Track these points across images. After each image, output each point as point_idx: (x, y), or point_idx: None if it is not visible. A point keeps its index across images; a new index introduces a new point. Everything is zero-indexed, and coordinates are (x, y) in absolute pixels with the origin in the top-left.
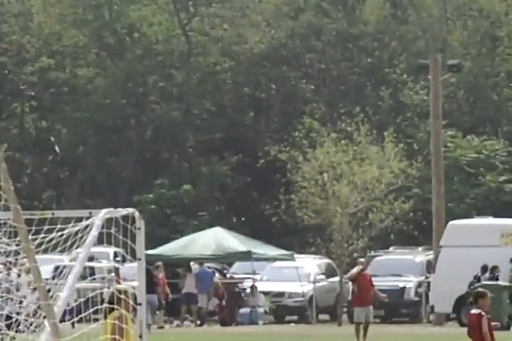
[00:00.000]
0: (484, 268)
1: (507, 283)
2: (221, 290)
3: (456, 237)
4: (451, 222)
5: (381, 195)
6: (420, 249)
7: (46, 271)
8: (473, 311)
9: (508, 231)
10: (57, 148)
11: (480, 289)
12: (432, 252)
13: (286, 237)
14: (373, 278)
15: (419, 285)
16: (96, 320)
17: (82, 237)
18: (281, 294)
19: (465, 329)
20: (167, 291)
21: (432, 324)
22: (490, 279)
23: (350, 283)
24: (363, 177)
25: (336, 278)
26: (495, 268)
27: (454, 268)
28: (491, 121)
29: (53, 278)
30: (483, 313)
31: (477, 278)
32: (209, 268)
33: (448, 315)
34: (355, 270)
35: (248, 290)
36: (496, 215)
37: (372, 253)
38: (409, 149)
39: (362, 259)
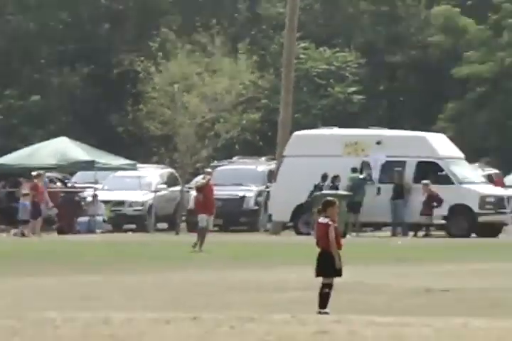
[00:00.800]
0: (324, 177)
1: (346, 192)
2: (58, 199)
3: (300, 147)
4: (295, 133)
5: (230, 105)
6: (263, 158)
7: None
8: (321, 220)
9: (350, 142)
10: None
11: (329, 198)
12: (274, 162)
13: (132, 148)
14: (215, 188)
15: (259, 194)
16: None
17: None
18: (121, 203)
19: (302, 238)
20: (47, 199)
21: (269, 232)
22: (330, 188)
23: (194, 192)
24: (213, 89)
25: (178, 188)
26: (336, 177)
27: (296, 177)
28: (344, 33)
29: None
30: (330, 222)
31: (318, 187)
32: (49, 178)
33: (285, 224)
34: (204, 180)
35: (89, 199)
36: (341, 126)
37: (216, 163)
38: (262, 61)
39: (209, 170)
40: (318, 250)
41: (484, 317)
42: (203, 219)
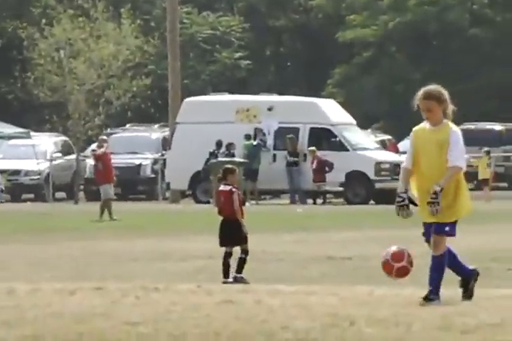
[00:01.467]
0: (219, 144)
1: (242, 160)
2: None
3: (192, 114)
4: (186, 99)
5: (118, 71)
6: (156, 126)
7: None
8: (223, 188)
9: (243, 108)
10: None
11: (229, 165)
12: (168, 129)
13: (23, 115)
14: (110, 156)
15: (155, 162)
16: None
17: None
18: (17, 172)
19: (201, 206)
20: None
21: (168, 201)
22: (226, 155)
23: (90, 161)
24: (99, 55)
25: (73, 156)
26: (230, 144)
27: (190, 145)
28: None
29: None
30: (234, 189)
31: (214, 155)
32: None
33: (183, 192)
34: (103, 148)
35: None
36: (231, 92)
37: (109, 130)
38: (146, 26)
39: (105, 137)
40: (220, 218)
41: (388, 285)
42: (106, 189)
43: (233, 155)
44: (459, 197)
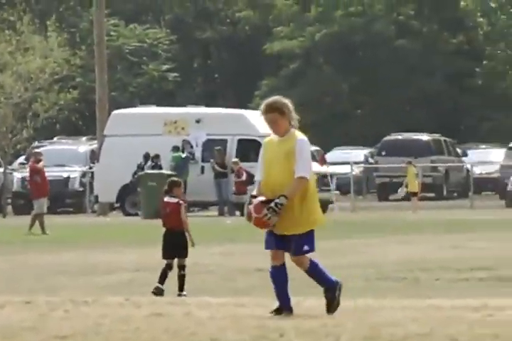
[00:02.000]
0: (146, 157)
1: (170, 172)
2: None
3: (120, 126)
4: (114, 111)
5: (45, 84)
6: (84, 138)
7: None
8: (169, 200)
9: (170, 120)
10: None
11: (174, 178)
12: (95, 142)
13: None
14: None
15: (84, 175)
16: None
17: None
18: None
19: (129, 218)
20: None
21: (97, 213)
22: (152, 168)
23: (17, 174)
24: (26, 68)
25: (0, 169)
26: (157, 156)
27: (118, 157)
28: (153, 10)
29: None
30: (181, 202)
31: (140, 167)
32: None
33: (112, 205)
34: (42, 162)
35: None
36: (159, 104)
37: (37, 143)
38: (73, 38)
39: (39, 150)
40: (161, 230)
41: (315, 295)
42: (41, 203)
43: (160, 168)
44: (305, 209)
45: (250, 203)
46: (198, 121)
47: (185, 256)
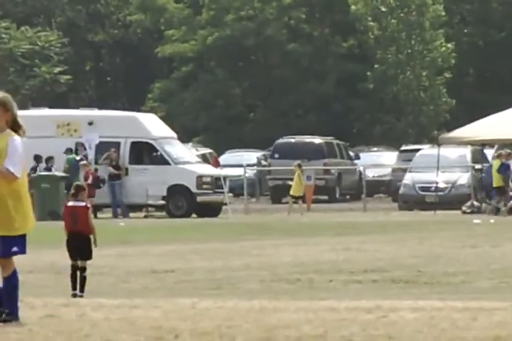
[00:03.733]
0: (37, 158)
1: (63, 174)
2: None
3: None
4: None
5: None
6: None
7: None
8: (75, 203)
9: (63, 122)
10: None
11: (79, 183)
12: None
13: None
14: None
15: None
16: None
17: None
18: None
19: None
20: None
21: None
22: (45, 170)
23: None
24: None
25: None
26: (50, 158)
27: None
28: (44, 12)
29: None
30: (89, 205)
31: (33, 169)
32: None
33: None
34: None
35: None
36: (51, 106)
37: None
38: None
39: None
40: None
41: (211, 297)
42: None
43: (50, 170)
44: (21, 212)
45: None
46: (90, 124)
47: (89, 258)
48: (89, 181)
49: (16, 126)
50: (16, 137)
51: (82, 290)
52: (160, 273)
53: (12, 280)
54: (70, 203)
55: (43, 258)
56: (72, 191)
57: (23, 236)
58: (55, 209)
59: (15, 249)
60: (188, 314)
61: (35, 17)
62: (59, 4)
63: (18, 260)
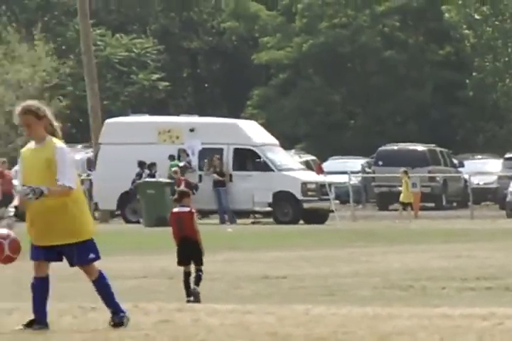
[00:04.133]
0: (141, 165)
1: (168, 180)
2: None
3: (114, 135)
4: (107, 120)
5: (36, 92)
6: (80, 146)
7: None
8: (181, 209)
9: (164, 129)
10: None
11: (183, 188)
12: (91, 150)
13: None
14: None
15: (82, 182)
16: None
17: None
18: None
19: (130, 226)
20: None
21: (98, 221)
22: (149, 176)
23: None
24: (16, 76)
25: None
26: (153, 165)
27: (115, 165)
28: (139, 20)
29: None
30: (193, 210)
31: (139, 175)
32: None
33: (113, 212)
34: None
35: None
36: (151, 113)
37: None
38: (60, 48)
39: (4, 159)
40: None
41: (324, 303)
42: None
43: (153, 176)
44: (85, 215)
45: (16, 215)
46: (191, 130)
47: (201, 263)
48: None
49: (53, 130)
50: (60, 145)
51: (197, 283)
52: (272, 279)
53: (101, 280)
54: (175, 209)
55: (155, 263)
56: (176, 197)
57: (92, 243)
58: (161, 215)
59: (92, 255)
60: (303, 320)
61: (129, 25)
62: (152, 12)
63: (131, 265)
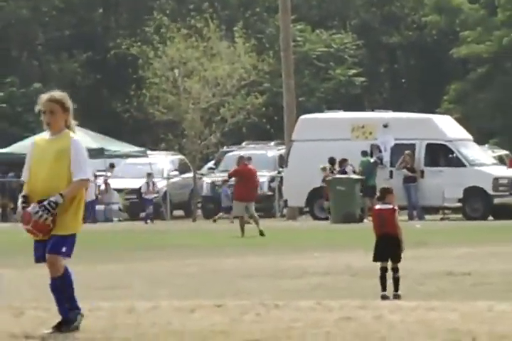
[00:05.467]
0: (331, 161)
1: (358, 176)
2: None
3: (308, 131)
4: (302, 116)
5: (233, 90)
6: (272, 143)
7: None
8: (382, 206)
9: (358, 125)
10: None
11: (386, 185)
12: (284, 147)
13: (138, 134)
14: (226, 173)
15: (272, 179)
16: None
17: None
18: (134, 191)
19: (318, 223)
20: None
21: (286, 218)
22: (340, 172)
23: (206, 179)
24: (214, 73)
25: (190, 174)
26: (344, 161)
27: (306, 162)
28: (339, 15)
29: None
30: (396, 207)
31: (330, 171)
32: None
33: (301, 209)
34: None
35: (102, 187)
36: (346, 109)
37: (225, 148)
38: (260, 44)
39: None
40: (371, 236)
41: (508, 300)
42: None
43: (344, 172)
44: (78, 212)
45: (24, 202)
46: (385, 126)
47: (399, 260)
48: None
49: (69, 126)
50: (77, 138)
51: (396, 289)
52: (456, 276)
53: (65, 279)
54: (378, 206)
55: (339, 260)
56: (379, 194)
57: (73, 238)
58: (350, 211)
59: (64, 249)
60: (486, 317)
61: (329, 20)
62: (353, 7)
63: (317, 262)
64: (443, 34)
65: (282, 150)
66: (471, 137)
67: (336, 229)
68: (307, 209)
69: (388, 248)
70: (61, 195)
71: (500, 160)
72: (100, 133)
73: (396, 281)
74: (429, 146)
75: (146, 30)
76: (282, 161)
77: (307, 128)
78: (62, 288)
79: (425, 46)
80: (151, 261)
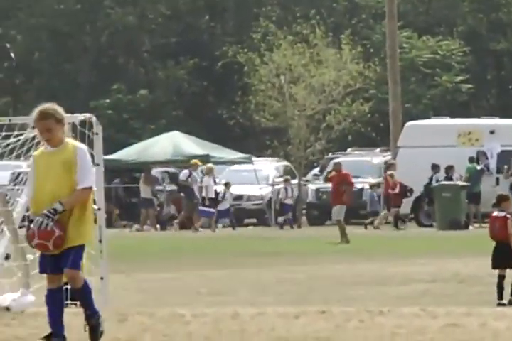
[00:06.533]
0: (434, 168)
1: (464, 183)
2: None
3: (414, 138)
4: (408, 123)
5: (339, 97)
6: (378, 150)
7: (4, 176)
8: (497, 214)
9: (464, 131)
10: (12, 54)
11: (502, 192)
12: (389, 153)
13: (244, 140)
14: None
15: (378, 186)
16: None
17: (38, 142)
18: (240, 197)
19: (424, 230)
20: None
21: (391, 225)
22: (446, 179)
23: (311, 186)
24: (320, 80)
25: (295, 181)
26: (450, 167)
27: (412, 168)
28: (446, 21)
29: (12, 183)
30: (508, 215)
31: (430, 178)
32: (167, 172)
33: (406, 216)
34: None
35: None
36: (452, 115)
37: (330, 155)
38: (366, 51)
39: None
40: (491, 242)
41: None
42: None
43: (451, 179)
44: (88, 221)
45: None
46: (492, 132)
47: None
48: (397, 191)
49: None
50: (81, 145)
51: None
52: None
53: (85, 289)
54: (494, 213)
55: (446, 267)
56: (495, 201)
57: (82, 250)
58: (455, 218)
59: (79, 262)
60: None
61: (436, 26)
62: (460, 13)
63: (424, 269)
64: None
65: (388, 156)
66: None
67: (442, 235)
68: (412, 216)
69: (503, 255)
70: (60, 202)
71: None
72: (206, 140)
73: (500, 288)
74: None
75: (253, 37)
76: (389, 168)
77: (413, 134)
78: (83, 296)
79: None
80: (255, 268)
